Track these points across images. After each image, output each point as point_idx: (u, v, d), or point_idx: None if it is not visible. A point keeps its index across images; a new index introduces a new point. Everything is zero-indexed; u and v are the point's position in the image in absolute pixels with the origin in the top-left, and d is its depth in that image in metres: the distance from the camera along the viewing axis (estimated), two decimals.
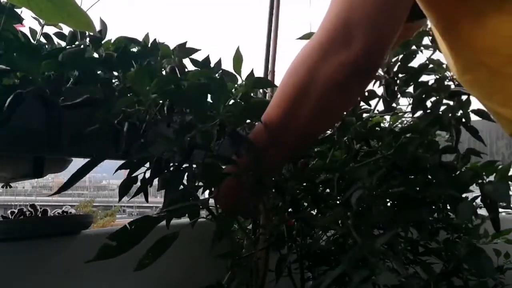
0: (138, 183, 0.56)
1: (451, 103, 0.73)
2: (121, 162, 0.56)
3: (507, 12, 0.49)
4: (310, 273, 0.78)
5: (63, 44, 0.65)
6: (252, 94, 0.74)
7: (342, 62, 0.53)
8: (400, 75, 0.76)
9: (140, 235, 0.47)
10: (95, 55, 0.63)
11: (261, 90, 0.92)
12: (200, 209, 0.55)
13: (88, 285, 0.67)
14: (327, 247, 0.74)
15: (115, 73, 0.63)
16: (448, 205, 0.73)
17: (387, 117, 0.85)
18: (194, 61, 0.72)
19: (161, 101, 0.56)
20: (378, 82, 0.77)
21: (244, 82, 0.70)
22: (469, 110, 0.73)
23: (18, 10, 0.55)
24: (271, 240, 0.69)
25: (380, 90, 0.77)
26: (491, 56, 0.52)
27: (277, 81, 0.69)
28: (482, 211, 0.66)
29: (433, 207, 0.72)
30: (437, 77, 0.75)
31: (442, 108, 0.72)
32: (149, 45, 0.70)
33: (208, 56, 0.71)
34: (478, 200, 0.63)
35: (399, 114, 0.81)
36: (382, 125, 0.84)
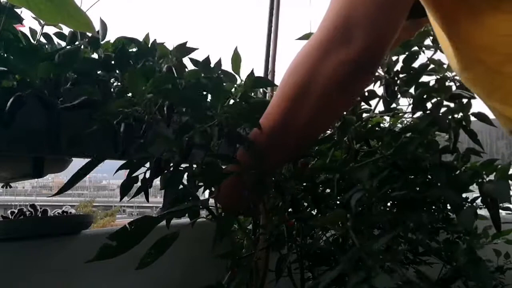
0: (139, 183, 0.56)
1: (452, 105, 0.73)
2: (121, 162, 0.56)
3: (504, 11, 0.49)
4: (310, 273, 0.78)
5: (63, 44, 0.65)
6: (252, 94, 0.74)
7: (342, 60, 0.53)
8: (400, 75, 0.76)
9: (140, 235, 0.47)
10: (95, 55, 0.63)
11: (261, 90, 0.92)
12: (200, 209, 0.55)
13: (88, 285, 0.67)
14: (327, 247, 0.74)
15: (114, 74, 0.63)
16: (448, 205, 0.73)
17: (387, 117, 0.85)
18: (193, 61, 0.72)
19: (160, 101, 0.56)
20: (378, 82, 0.77)
21: (243, 82, 0.70)
22: (469, 113, 0.73)
23: (18, 10, 0.55)
24: (271, 240, 0.69)
25: (380, 90, 0.77)
26: (489, 55, 0.52)
27: (277, 81, 0.69)
28: (482, 211, 0.66)
29: (433, 207, 0.72)
30: (438, 77, 0.75)
31: (443, 110, 0.72)
32: (149, 45, 0.70)
33: (208, 56, 0.71)
34: (478, 201, 0.63)
35: (399, 114, 0.81)
36: (382, 125, 0.84)
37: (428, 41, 0.76)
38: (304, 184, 0.72)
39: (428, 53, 0.76)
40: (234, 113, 0.56)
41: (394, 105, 0.78)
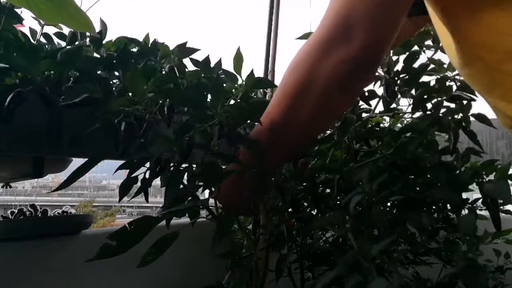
0: (139, 183, 0.56)
1: (452, 105, 0.73)
2: (121, 162, 0.56)
3: (502, 8, 0.49)
4: (310, 273, 0.78)
5: (63, 44, 0.65)
6: (252, 94, 0.74)
7: (342, 59, 0.53)
8: (400, 75, 0.75)
9: (140, 235, 0.47)
10: (96, 55, 0.63)
11: (261, 90, 0.92)
12: (200, 209, 0.55)
13: (88, 285, 0.67)
14: (327, 248, 0.74)
15: (116, 73, 0.63)
16: (448, 205, 0.73)
17: (387, 118, 0.85)
18: (194, 61, 0.72)
19: (160, 101, 0.56)
20: (378, 82, 0.77)
21: (244, 82, 0.70)
22: (469, 114, 0.73)
23: (18, 10, 0.55)
24: (271, 240, 0.69)
25: (380, 90, 0.77)
26: (488, 53, 0.53)
27: (277, 81, 0.69)
28: (482, 211, 0.66)
29: (433, 207, 0.72)
30: (438, 77, 0.75)
31: (443, 110, 0.72)
32: (149, 45, 0.70)
33: (208, 56, 0.71)
34: (479, 202, 0.63)
35: (399, 114, 0.81)
36: (382, 125, 0.84)
37: (428, 41, 0.76)
38: (304, 184, 0.72)
39: (429, 53, 0.76)
40: (234, 113, 0.56)
41: (394, 105, 0.78)
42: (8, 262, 0.59)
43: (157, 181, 0.56)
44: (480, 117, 0.73)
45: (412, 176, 0.69)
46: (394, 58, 0.76)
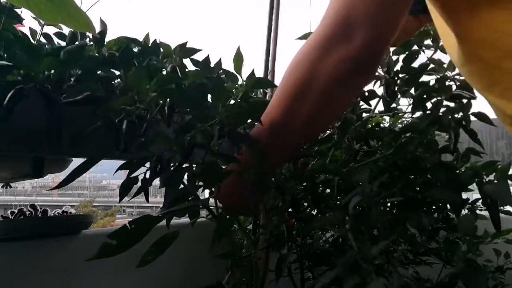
0: (139, 183, 0.56)
1: (452, 104, 0.73)
2: (121, 162, 0.56)
3: (501, 7, 0.49)
4: (310, 273, 0.78)
5: (63, 44, 0.65)
6: (252, 94, 0.74)
7: (342, 58, 0.54)
8: (400, 75, 0.76)
9: (140, 234, 0.47)
10: (98, 54, 0.63)
11: (261, 90, 0.92)
12: (200, 209, 0.55)
13: (88, 285, 0.67)
14: (327, 248, 0.74)
15: (117, 73, 0.63)
16: (448, 205, 0.73)
17: (387, 118, 0.85)
18: (194, 61, 0.72)
19: (161, 101, 0.56)
20: (378, 82, 0.77)
21: (244, 82, 0.70)
22: (469, 113, 0.73)
23: (18, 10, 0.55)
24: (271, 240, 0.69)
25: (380, 90, 0.77)
26: (487, 50, 0.53)
27: (277, 81, 0.69)
28: (482, 211, 0.66)
29: (433, 207, 0.72)
30: (438, 77, 0.75)
31: (443, 109, 0.72)
32: (150, 45, 0.70)
33: (208, 56, 0.71)
34: (479, 202, 0.63)
35: (399, 114, 0.81)
36: (382, 125, 0.84)
37: (428, 41, 0.76)
38: (304, 184, 0.72)
39: (428, 53, 0.76)
40: (235, 112, 0.56)
41: (394, 105, 0.78)
42: (8, 262, 0.59)
43: (157, 181, 0.56)
44: (481, 116, 0.73)
45: (412, 176, 0.69)
46: (394, 58, 0.76)
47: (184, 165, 0.55)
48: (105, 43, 0.65)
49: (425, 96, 0.72)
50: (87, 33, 0.64)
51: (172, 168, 0.55)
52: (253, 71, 0.68)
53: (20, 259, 0.60)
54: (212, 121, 0.54)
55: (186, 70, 0.71)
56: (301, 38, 0.78)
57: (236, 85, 0.72)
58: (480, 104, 0.71)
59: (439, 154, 0.68)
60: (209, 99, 0.57)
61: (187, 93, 0.54)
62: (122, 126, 0.52)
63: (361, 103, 0.77)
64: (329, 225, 0.55)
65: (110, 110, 0.52)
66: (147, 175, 0.54)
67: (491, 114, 0.70)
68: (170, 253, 0.50)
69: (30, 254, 0.61)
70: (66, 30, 0.65)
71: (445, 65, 0.75)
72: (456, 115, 0.73)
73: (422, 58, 0.76)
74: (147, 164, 0.54)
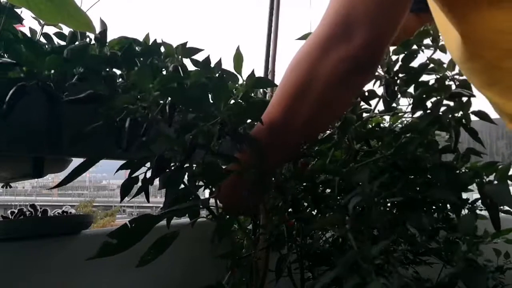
0: (139, 183, 0.56)
1: (452, 103, 0.73)
2: (121, 162, 0.56)
3: (500, 6, 0.49)
4: (310, 273, 0.78)
5: (63, 44, 0.65)
6: (252, 94, 0.74)
7: (342, 57, 0.54)
8: (400, 75, 0.76)
9: (140, 234, 0.47)
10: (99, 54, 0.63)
11: (261, 90, 0.92)
12: (200, 209, 0.55)
13: (88, 285, 0.67)
14: (327, 248, 0.74)
15: (119, 72, 0.63)
16: (448, 205, 0.73)
17: (387, 117, 0.85)
18: (194, 61, 0.72)
19: (162, 101, 0.56)
20: (378, 82, 0.77)
21: (244, 82, 0.70)
22: (469, 112, 0.73)
23: (18, 10, 0.55)
24: (271, 240, 0.69)
25: (380, 90, 0.77)
26: (488, 50, 0.52)
27: (277, 81, 0.69)
28: (482, 211, 0.66)
29: (433, 207, 0.72)
30: (438, 76, 0.75)
31: (442, 109, 0.72)
32: (151, 45, 0.70)
33: (208, 56, 0.71)
34: (478, 202, 0.63)
35: (399, 114, 0.81)
36: (382, 125, 0.84)
37: (427, 41, 0.76)
38: (304, 184, 0.72)
39: (428, 53, 0.76)
40: (236, 112, 0.56)
41: (394, 104, 0.78)
42: (8, 262, 0.59)
43: (157, 181, 0.56)
44: (481, 114, 0.73)
45: (412, 176, 0.69)
46: (394, 58, 0.76)
47: (185, 165, 0.55)
48: (108, 42, 0.65)
49: (424, 95, 0.72)
50: (87, 33, 0.64)
51: (173, 168, 0.55)
52: (253, 71, 0.69)
53: (20, 259, 0.60)
54: (214, 120, 0.54)
55: (188, 70, 0.71)
56: (301, 38, 0.78)
57: (237, 85, 0.72)
58: (481, 102, 0.71)
59: (439, 154, 0.68)
60: (210, 99, 0.57)
61: (190, 92, 0.54)
62: (125, 124, 0.52)
63: (361, 103, 0.77)
64: (329, 225, 0.55)
65: (113, 108, 0.52)
66: (148, 175, 0.54)
67: (492, 113, 0.70)
68: (170, 253, 0.50)
69: (30, 254, 0.61)
70: (66, 30, 0.65)
71: (444, 65, 0.75)
72: (456, 114, 0.73)
73: (422, 58, 0.76)
74: (148, 164, 0.54)
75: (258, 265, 0.67)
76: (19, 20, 0.56)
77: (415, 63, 0.75)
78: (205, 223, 0.57)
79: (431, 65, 0.75)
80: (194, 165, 0.56)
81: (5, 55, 0.52)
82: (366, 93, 0.76)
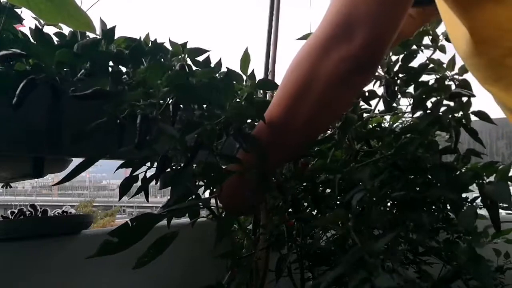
0: (139, 183, 0.56)
1: (452, 103, 0.73)
2: (121, 162, 0.56)
3: (504, 3, 0.49)
4: (310, 273, 0.78)
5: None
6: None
7: (343, 57, 0.53)
8: (400, 75, 0.76)
9: (141, 233, 0.47)
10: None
11: (261, 91, 0.92)
12: (200, 209, 0.55)
13: (88, 285, 0.67)
14: (327, 247, 0.74)
15: (124, 69, 0.63)
16: (448, 205, 0.73)
17: (387, 117, 0.85)
18: (194, 61, 0.72)
19: (169, 99, 0.56)
20: (378, 82, 0.77)
21: (249, 83, 0.70)
22: (469, 112, 0.73)
23: (18, 10, 0.55)
24: (271, 240, 0.69)
25: (380, 90, 0.77)
26: (492, 47, 0.52)
27: (277, 81, 0.69)
28: (482, 211, 0.66)
29: (433, 207, 0.72)
30: (438, 76, 0.75)
31: (443, 109, 0.72)
32: (158, 43, 0.70)
33: (208, 56, 0.71)
34: (478, 200, 0.63)
35: (399, 114, 0.81)
36: (382, 125, 0.84)
37: (427, 41, 0.77)
38: (305, 184, 0.72)
39: (427, 53, 0.76)
40: (240, 111, 0.56)
41: (394, 104, 0.78)
42: (8, 262, 0.59)
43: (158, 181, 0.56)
44: (481, 114, 0.73)
45: (412, 177, 0.69)
46: (394, 58, 0.76)
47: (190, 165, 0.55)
48: (115, 39, 0.66)
49: (424, 96, 0.72)
50: (87, 33, 0.64)
51: (176, 168, 0.55)
52: (253, 71, 0.69)
53: (20, 259, 0.60)
54: (218, 119, 0.54)
55: (192, 69, 0.71)
56: (301, 38, 0.78)
57: (241, 86, 0.72)
58: (481, 102, 0.71)
59: (439, 154, 0.68)
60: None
61: (197, 90, 0.54)
62: (127, 123, 0.52)
63: (362, 103, 0.78)
64: (331, 223, 0.55)
65: (120, 104, 0.52)
66: (147, 175, 0.54)
67: (492, 113, 0.70)
68: (170, 253, 0.50)
69: (30, 254, 0.61)
70: (66, 30, 0.65)
71: (444, 65, 0.75)
72: (456, 114, 0.73)
73: (421, 58, 0.76)
74: (147, 164, 0.54)
75: (258, 265, 0.67)
76: (19, 20, 0.56)
77: (415, 63, 0.75)
78: (205, 223, 0.57)
79: (431, 65, 0.75)
80: (194, 165, 0.56)
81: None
82: (367, 93, 0.76)
